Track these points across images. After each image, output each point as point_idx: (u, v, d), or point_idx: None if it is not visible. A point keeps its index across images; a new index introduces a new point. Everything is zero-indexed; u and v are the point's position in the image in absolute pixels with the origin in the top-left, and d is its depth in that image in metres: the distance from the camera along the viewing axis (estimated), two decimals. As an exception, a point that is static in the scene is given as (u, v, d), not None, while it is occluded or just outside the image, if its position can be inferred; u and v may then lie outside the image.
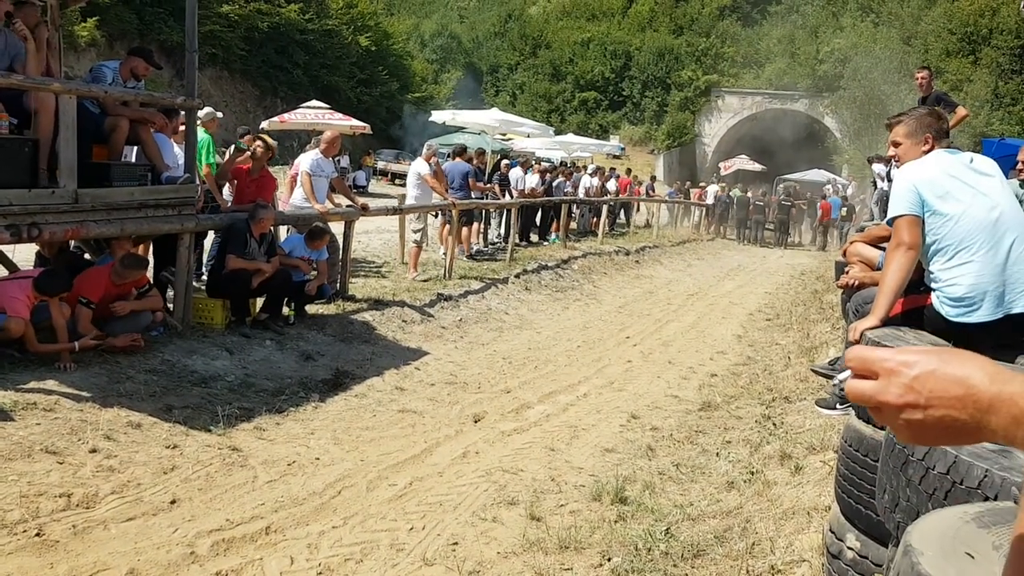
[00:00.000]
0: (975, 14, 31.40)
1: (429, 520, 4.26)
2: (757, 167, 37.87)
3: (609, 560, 3.77)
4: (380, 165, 34.03)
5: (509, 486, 4.81)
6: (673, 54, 46.24)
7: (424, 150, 12.35)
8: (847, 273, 4.65)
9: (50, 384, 5.24)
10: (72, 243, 7.19)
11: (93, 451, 4.54)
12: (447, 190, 12.23)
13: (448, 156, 14.74)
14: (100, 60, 9.87)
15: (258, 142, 8.62)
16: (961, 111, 9.56)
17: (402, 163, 32.39)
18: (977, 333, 3.22)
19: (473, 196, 13.46)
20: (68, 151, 5.89)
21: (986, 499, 1.69)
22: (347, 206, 9.80)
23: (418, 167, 12.01)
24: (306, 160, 9.27)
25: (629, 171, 29.18)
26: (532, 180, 17.09)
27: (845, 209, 26.37)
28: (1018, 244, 3.25)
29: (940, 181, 3.30)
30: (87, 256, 7.39)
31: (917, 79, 9.83)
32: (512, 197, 15.62)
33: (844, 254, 4.98)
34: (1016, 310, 3.16)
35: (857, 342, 3.22)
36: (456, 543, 4.00)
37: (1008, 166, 5.95)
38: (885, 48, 35.58)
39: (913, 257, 3.29)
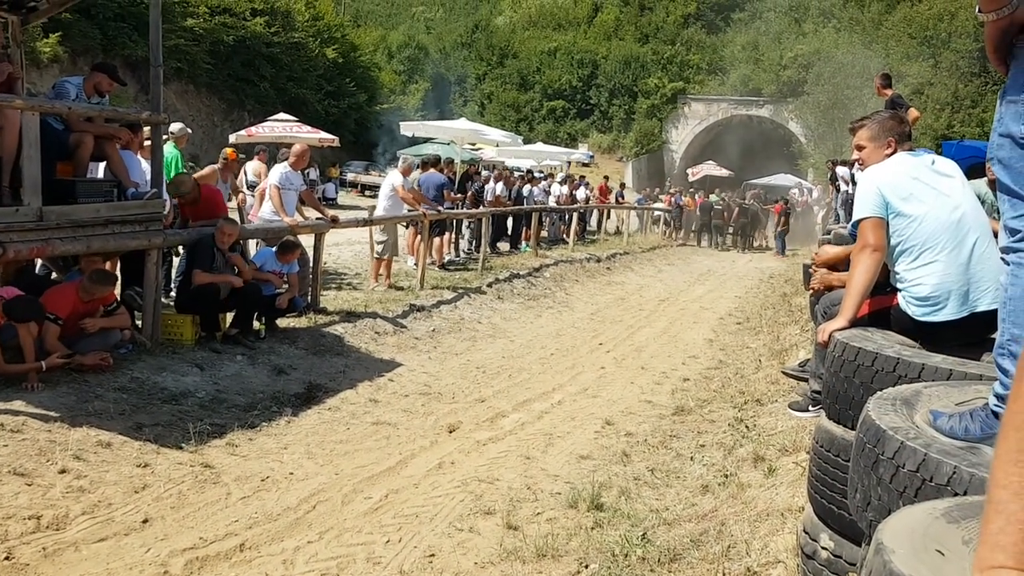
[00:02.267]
0: (934, 18, 31.91)
1: (405, 532, 4.24)
2: (725, 172, 38.21)
3: (587, 567, 3.77)
4: (350, 176, 33.88)
5: (485, 496, 4.81)
6: (639, 62, 46.52)
7: (400, 163, 12.33)
8: (814, 273, 4.70)
9: (17, 404, 5.16)
10: (39, 262, 7.10)
11: (62, 472, 4.47)
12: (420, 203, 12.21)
13: (417, 167, 14.72)
14: (63, 76, 9.75)
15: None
16: (913, 112, 9.72)
17: (372, 174, 32.32)
18: (943, 331, 3.27)
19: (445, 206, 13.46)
20: (32, 168, 5.81)
21: (955, 496, 1.72)
22: (317, 218, 9.77)
23: (392, 179, 11.98)
24: (275, 174, 9.25)
25: (607, 178, 29.26)
26: (498, 188, 17.14)
27: (782, 217, 26.14)
28: (980, 243, 3.31)
29: (903, 183, 3.36)
30: (54, 275, 7.29)
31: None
32: (484, 206, 15.64)
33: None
34: (981, 308, 3.21)
35: (826, 344, 3.26)
36: (433, 555, 3.99)
37: (967, 167, 6.04)
38: (847, 53, 36.06)
39: (879, 259, 3.34)
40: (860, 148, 3.68)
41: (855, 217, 3.42)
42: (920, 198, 3.34)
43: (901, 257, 3.36)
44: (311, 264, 9.30)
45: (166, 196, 7.51)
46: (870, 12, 38.08)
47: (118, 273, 7.45)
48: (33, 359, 5.55)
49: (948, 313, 3.25)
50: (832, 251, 4.71)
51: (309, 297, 9.09)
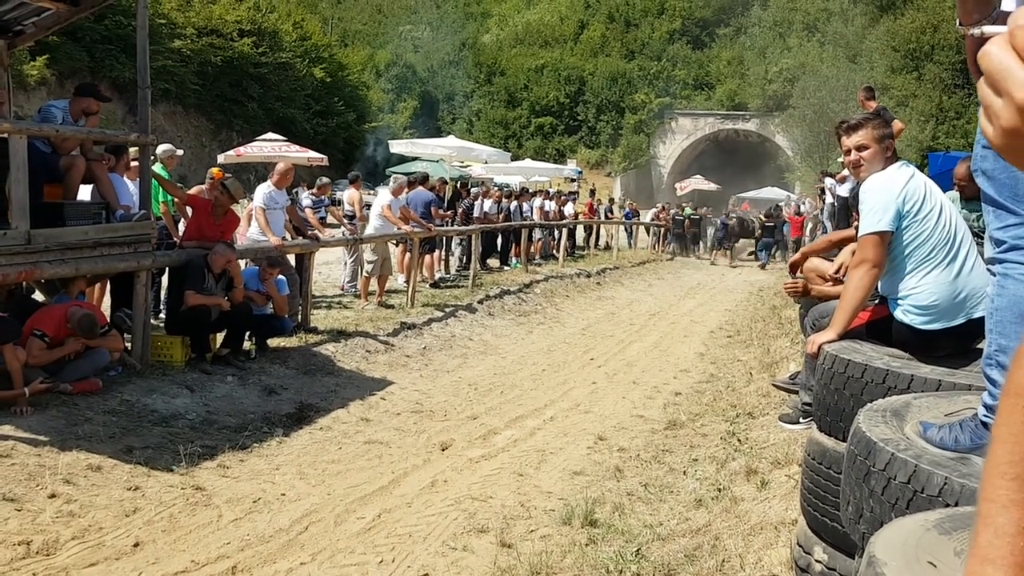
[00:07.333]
0: (917, 31, 32.15)
1: (399, 552, 4.22)
2: (712, 186, 38.37)
3: (581, 584, 3.76)
4: (339, 195, 33.87)
5: (478, 514, 4.79)
6: (626, 78, 46.85)
7: (391, 183, 12.33)
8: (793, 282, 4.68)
9: (5, 429, 5.12)
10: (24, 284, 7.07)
11: (52, 496, 4.44)
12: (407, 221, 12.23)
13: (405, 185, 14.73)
14: (51, 99, 9.75)
15: (217, 190, 8.49)
16: (898, 124, 9.77)
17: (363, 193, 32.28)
18: (941, 339, 3.28)
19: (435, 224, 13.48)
20: (19, 191, 5.79)
21: (947, 506, 1.72)
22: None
23: (381, 199, 11.97)
24: (258, 194, 9.22)
25: (592, 193, 29.20)
26: (487, 205, 17.16)
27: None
28: (971, 253, 3.33)
29: (915, 191, 3.34)
30: (36, 295, 7.26)
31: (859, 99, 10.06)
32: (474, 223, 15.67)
33: (793, 269, 4.95)
34: (976, 314, 3.22)
35: (815, 356, 3.27)
36: (427, 574, 3.97)
37: (950, 180, 6.10)
38: (832, 67, 36.37)
39: (876, 276, 3.33)
40: (863, 148, 3.50)
41: (865, 229, 3.32)
42: (928, 206, 3.34)
43: (902, 265, 3.34)
44: (305, 282, 9.30)
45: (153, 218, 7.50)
46: (854, 26, 38.45)
47: (107, 295, 7.42)
48: (21, 384, 5.51)
49: (948, 320, 3.26)
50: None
51: (299, 317, 9.07)
